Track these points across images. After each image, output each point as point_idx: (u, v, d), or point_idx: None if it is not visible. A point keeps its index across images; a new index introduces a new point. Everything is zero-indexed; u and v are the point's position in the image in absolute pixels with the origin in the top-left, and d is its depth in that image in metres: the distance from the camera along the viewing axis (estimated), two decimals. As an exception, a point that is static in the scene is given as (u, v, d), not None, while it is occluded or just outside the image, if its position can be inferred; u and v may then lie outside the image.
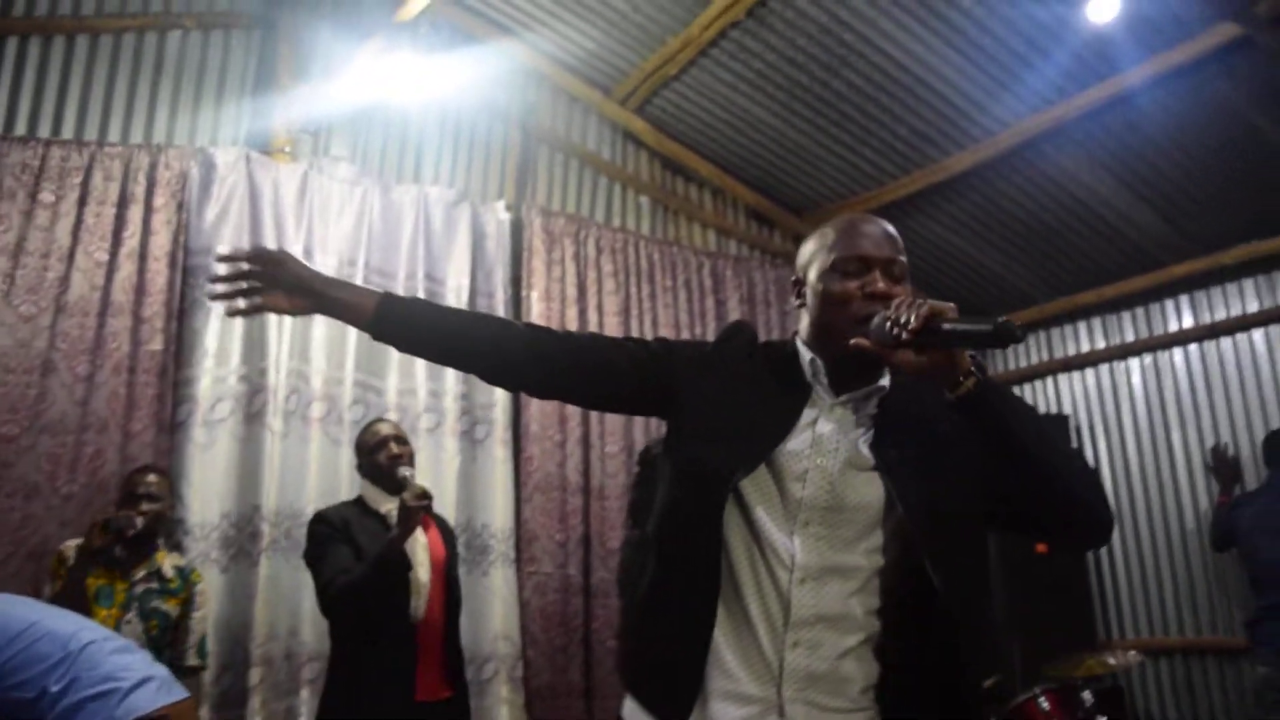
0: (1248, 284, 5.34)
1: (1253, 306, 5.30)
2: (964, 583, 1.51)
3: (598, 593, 4.74)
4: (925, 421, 1.59)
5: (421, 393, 4.57)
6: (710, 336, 1.80)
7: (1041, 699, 3.64)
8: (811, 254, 1.68)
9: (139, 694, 1.77)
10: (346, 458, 4.23)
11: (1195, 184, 5.00)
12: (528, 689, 4.48)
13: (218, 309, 4.16)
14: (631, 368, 1.69)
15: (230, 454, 4.08)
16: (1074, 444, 5.80)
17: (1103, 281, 5.87)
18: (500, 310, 4.83)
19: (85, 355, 3.89)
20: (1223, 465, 5.18)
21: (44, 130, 4.15)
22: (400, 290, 4.44)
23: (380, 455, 3.42)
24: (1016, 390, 6.14)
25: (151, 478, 3.43)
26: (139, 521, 3.21)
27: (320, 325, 4.36)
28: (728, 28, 4.81)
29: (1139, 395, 5.73)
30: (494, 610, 4.46)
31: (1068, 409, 6.05)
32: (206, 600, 3.54)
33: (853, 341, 1.52)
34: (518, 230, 5.12)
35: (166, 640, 3.31)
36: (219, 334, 4.15)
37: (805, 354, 1.65)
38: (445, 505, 4.31)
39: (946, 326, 1.42)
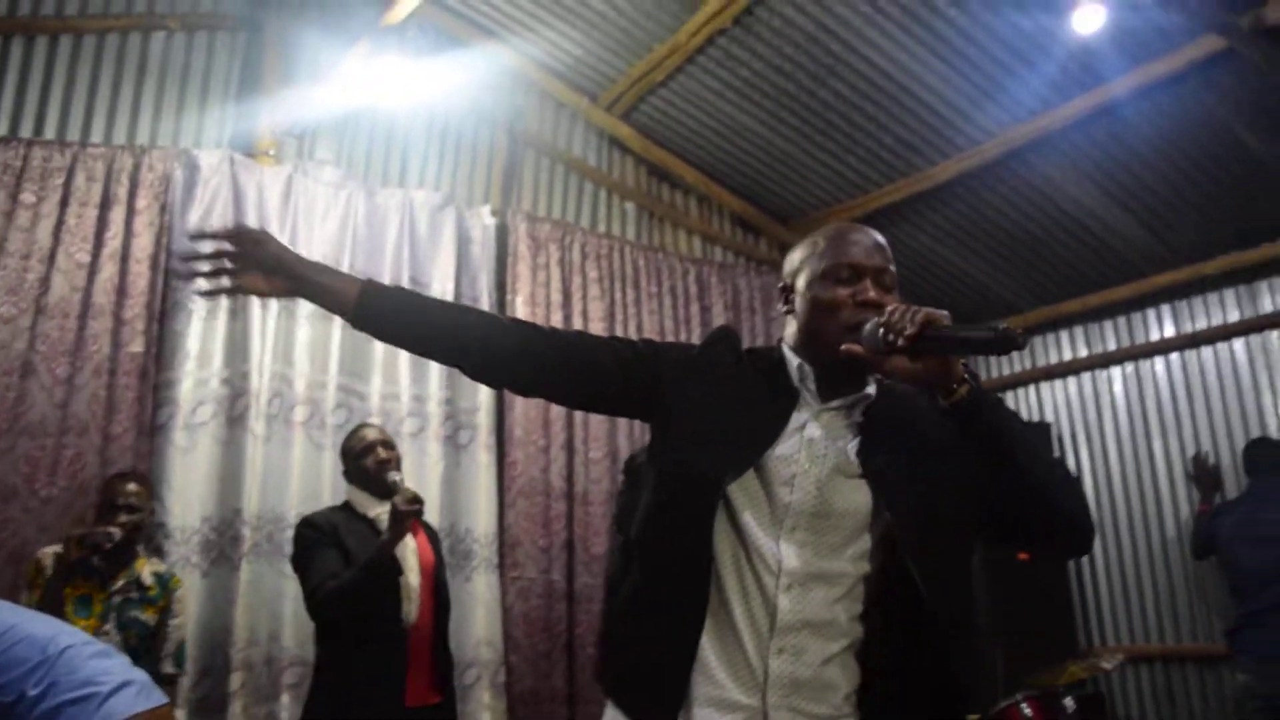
0: (1229, 294, 5.38)
1: (1234, 316, 5.34)
2: (950, 590, 1.51)
3: (581, 598, 4.73)
4: (912, 429, 1.60)
5: (405, 397, 4.56)
6: (695, 343, 1.79)
7: (1024, 705, 3.65)
8: (801, 261, 1.68)
9: (118, 699, 1.74)
10: (329, 462, 4.21)
11: (1178, 195, 5.04)
12: (510, 695, 4.46)
13: (200, 311, 4.14)
14: (617, 368, 1.68)
15: (212, 457, 4.05)
16: (1056, 452, 5.82)
17: (1086, 290, 5.90)
18: (485, 315, 4.81)
19: (65, 357, 3.86)
20: (1203, 474, 5.21)
21: (26, 130, 4.12)
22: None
23: (367, 460, 3.41)
24: (999, 398, 6.16)
25: (131, 486, 3.39)
26: (116, 534, 3.19)
27: (304, 328, 4.34)
28: (715, 35, 4.82)
29: (1121, 403, 5.76)
30: (477, 615, 4.44)
31: (1050, 417, 6.07)
32: (185, 608, 3.51)
33: (844, 347, 1.53)
34: (503, 235, 5.11)
35: (144, 649, 3.28)
36: (201, 336, 4.13)
37: (793, 360, 1.65)
38: (429, 510, 4.26)
39: (946, 333, 1.42)
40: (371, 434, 3.51)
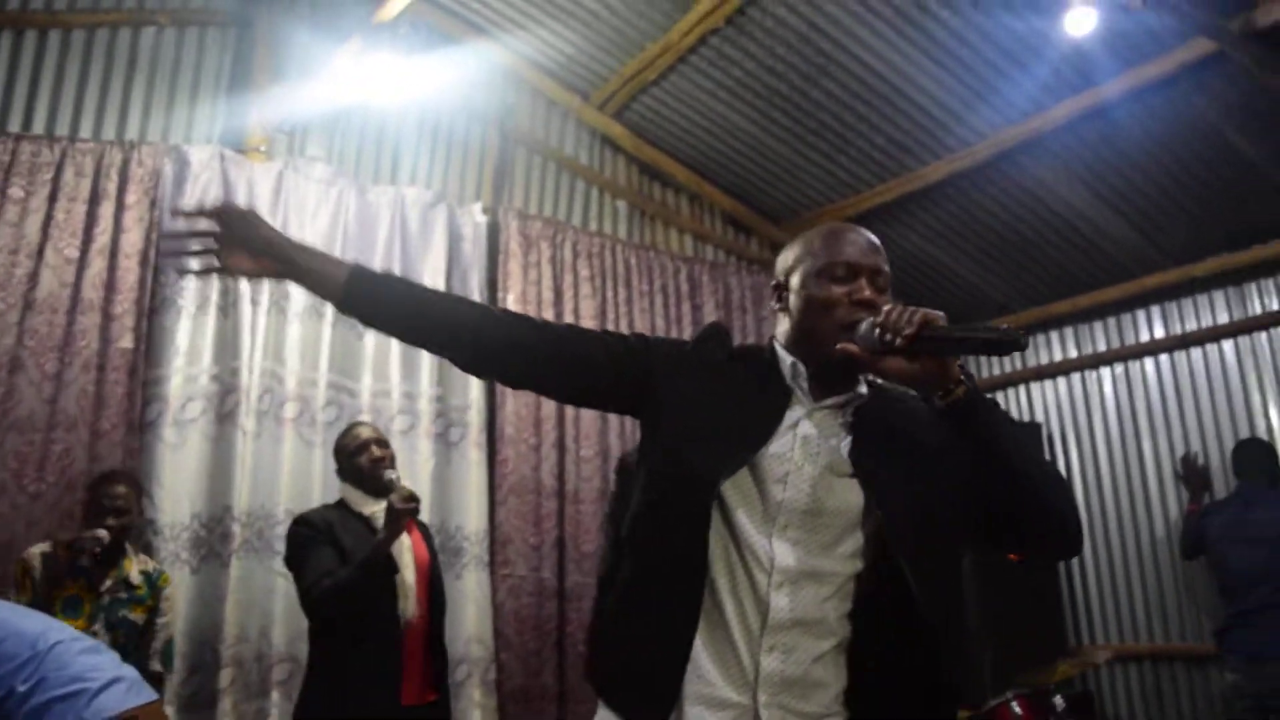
0: (1218, 296, 5.40)
1: (1223, 318, 5.36)
2: (940, 589, 1.51)
3: (572, 596, 4.73)
4: (904, 430, 1.60)
5: (396, 394, 4.55)
6: (687, 339, 1.78)
7: (1014, 704, 3.66)
8: (796, 258, 1.67)
9: (107, 695, 1.74)
10: (319, 459, 4.21)
11: (1168, 197, 5.06)
12: (501, 692, 4.46)
13: (189, 308, 4.12)
14: (609, 361, 1.66)
15: (201, 454, 4.04)
16: (1046, 452, 5.84)
17: (1076, 291, 5.92)
18: (476, 314, 4.81)
19: (54, 353, 3.84)
20: (1192, 474, 5.23)
21: (14, 125, 4.10)
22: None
23: (362, 458, 3.40)
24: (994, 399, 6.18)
25: (120, 489, 3.37)
26: (105, 538, 3.18)
27: (294, 325, 4.33)
28: (707, 34, 4.82)
29: (1110, 404, 5.78)
30: (467, 613, 4.43)
31: (1040, 417, 6.09)
32: (172, 606, 3.50)
33: (840, 346, 1.53)
34: (494, 233, 5.10)
35: (132, 647, 3.26)
36: (190, 333, 4.11)
37: (786, 357, 1.64)
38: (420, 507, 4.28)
39: (945, 333, 1.43)
40: (365, 432, 3.50)
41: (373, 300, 1.62)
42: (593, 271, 5.33)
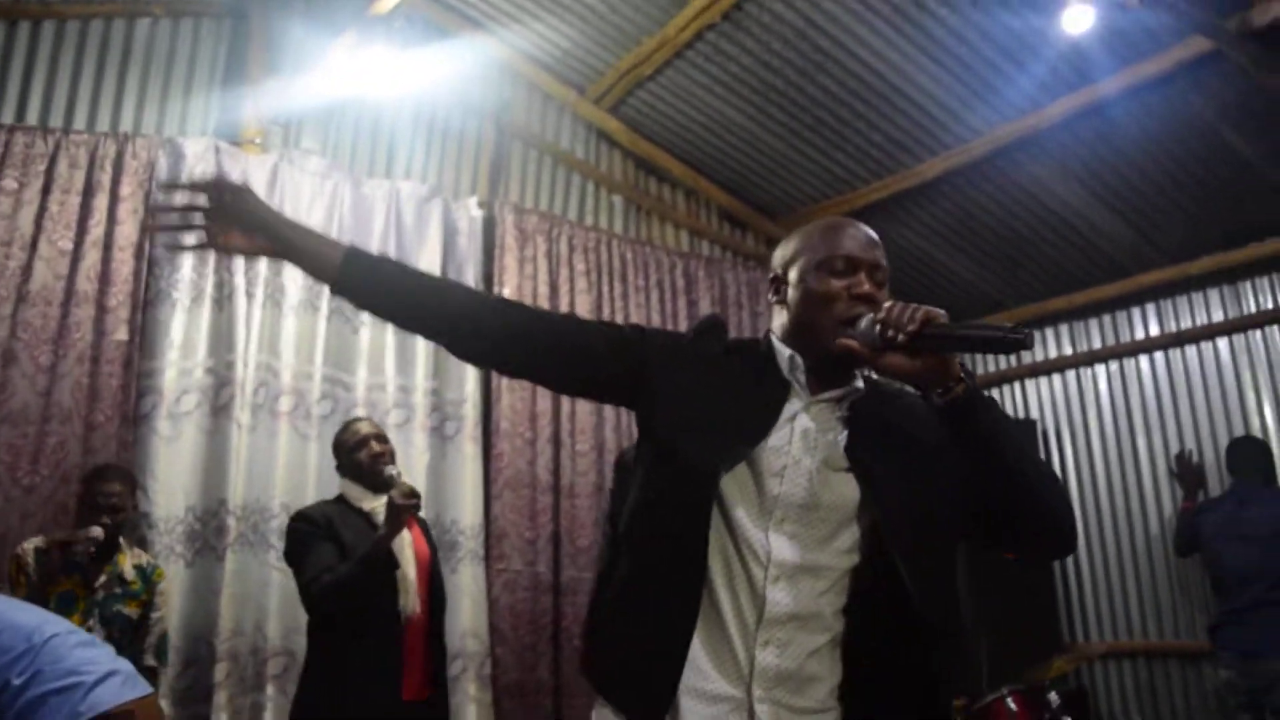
0: (1213, 294, 5.41)
1: (1218, 316, 5.37)
2: (935, 586, 1.51)
3: (567, 591, 4.72)
4: (900, 427, 1.60)
5: (391, 388, 4.54)
6: (683, 330, 1.76)
7: (1009, 699, 3.66)
8: (794, 252, 1.66)
9: (103, 688, 1.73)
10: (314, 452, 4.20)
11: (1164, 195, 5.06)
12: (496, 687, 4.45)
13: (184, 300, 4.11)
14: (608, 351, 1.64)
15: (196, 447, 4.03)
16: (1041, 449, 5.85)
17: (1071, 289, 5.92)
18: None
19: (48, 345, 3.83)
20: (1187, 471, 5.24)
21: (8, 116, 4.08)
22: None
23: (361, 454, 3.40)
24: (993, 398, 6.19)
25: (114, 487, 3.36)
26: (100, 535, 3.17)
27: (290, 318, 4.32)
28: (703, 30, 4.80)
29: (1106, 401, 5.79)
30: (462, 607, 4.43)
31: (1035, 414, 6.10)
32: (166, 600, 3.50)
33: (841, 341, 1.52)
34: (490, 227, 5.09)
35: (127, 642, 3.25)
36: (185, 325, 4.11)
37: (784, 350, 1.63)
38: (415, 502, 4.28)
39: (949, 331, 1.42)
40: (365, 427, 3.50)
41: (368, 283, 1.58)
42: (588, 266, 5.32)
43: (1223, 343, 5.33)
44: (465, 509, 4.58)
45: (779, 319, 1.68)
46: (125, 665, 1.84)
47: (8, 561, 3.26)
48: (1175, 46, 4.25)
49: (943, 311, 1.44)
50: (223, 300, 4.20)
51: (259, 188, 4.35)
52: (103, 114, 4.31)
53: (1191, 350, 5.45)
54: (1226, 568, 4.61)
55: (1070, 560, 5.76)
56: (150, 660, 3.34)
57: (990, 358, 6.33)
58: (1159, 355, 5.59)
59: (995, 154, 5.07)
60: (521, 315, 1.65)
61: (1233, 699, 4.43)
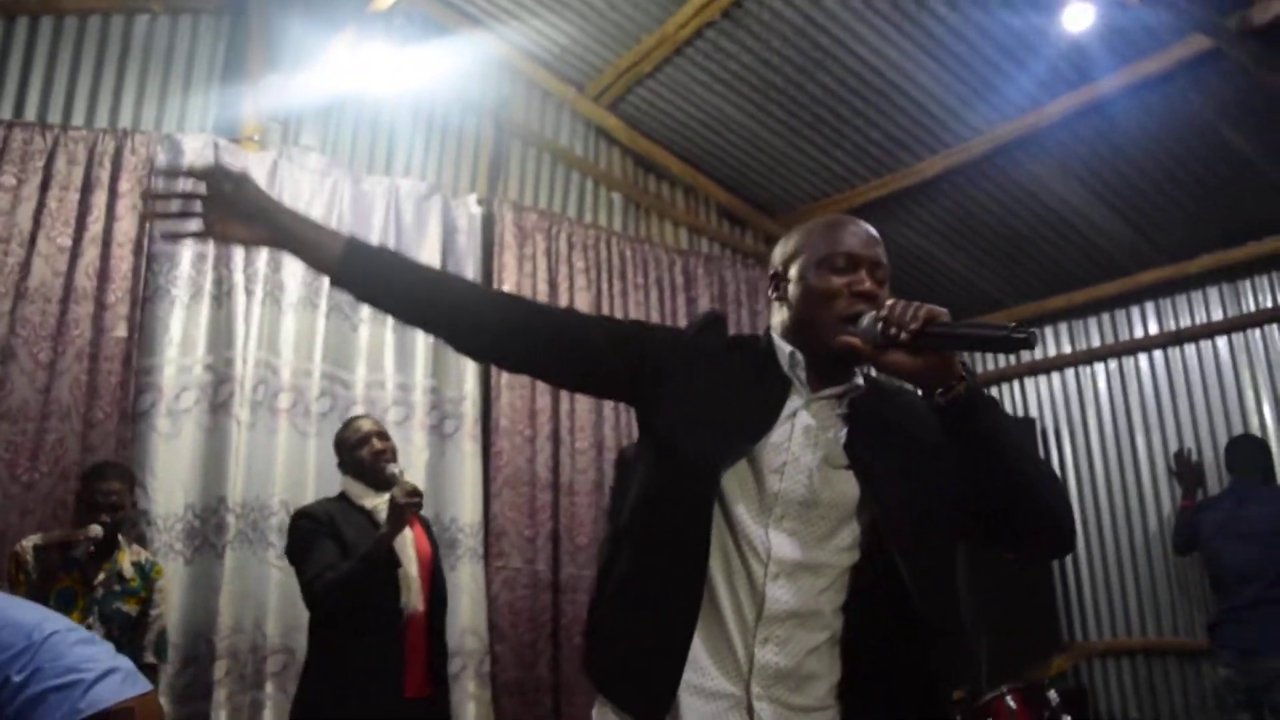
0: (1212, 292, 5.42)
1: (1217, 314, 5.38)
2: (934, 584, 1.51)
3: (566, 589, 4.72)
4: (899, 426, 1.59)
5: (390, 385, 4.54)
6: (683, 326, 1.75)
7: (1008, 698, 3.66)
8: (795, 248, 1.65)
9: (103, 686, 1.73)
10: (314, 450, 4.20)
11: (1164, 194, 5.06)
12: (495, 684, 4.45)
13: (183, 297, 4.10)
14: (609, 346, 1.63)
15: (195, 444, 4.03)
16: (1040, 448, 5.85)
17: (1070, 287, 5.93)
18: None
19: (47, 342, 3.82)
20: (1186, 470, 5.24)
21: (5, 112, 4.07)
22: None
23: (363, 451, 3.39)
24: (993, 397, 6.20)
25: (113, 484, 3.35)
26: (99, 534, 3.17)
27: (289, 315, 4.32)
28: (703, 27, 4.80)
29: (1105, 400, 5.79)
30: (462, 605, 4.42)
31: (1034, 412, 6.11)
32: (165, 598, 3.49)
33: (843, 338, 1.52)
34: (489, 224, 5.09)
35: (126, 639, 3.25)
36: (184, 322, 4.10)
37: (784, 347, 1.62)
38: (415, 500, 4.28)
39: (952, 330, 1.41)
40: (366, 425, 3.49)
41: (370, 275, 1.56)
42: (588, 264, 5.32)
43: (1222, 341, 5.34)
44: (464, 507, 4.58)
45: (779, 316, 1.67)
46: (125, 662, 1.83)
47: (7, 559, 3.26)
48: (1175, 44, 4.24)
49: (945, 310, 1.44)
50: (222, 297, 4.19)
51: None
52: (101, 110, 4.29)
53: (1191, 349, 5.46)
54: (1225, 566, 4.61)
55: (1069, 559, 5.77)
56: (150, 657, 3.34)
57: (989, 356, 6.33)
58: (1158, 354, 5.60)
59: (995, 152, 5.07)
60: (522, 309, 1.64)
61: (1231, 697, 4.43)
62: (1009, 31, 4.36)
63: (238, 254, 4.25)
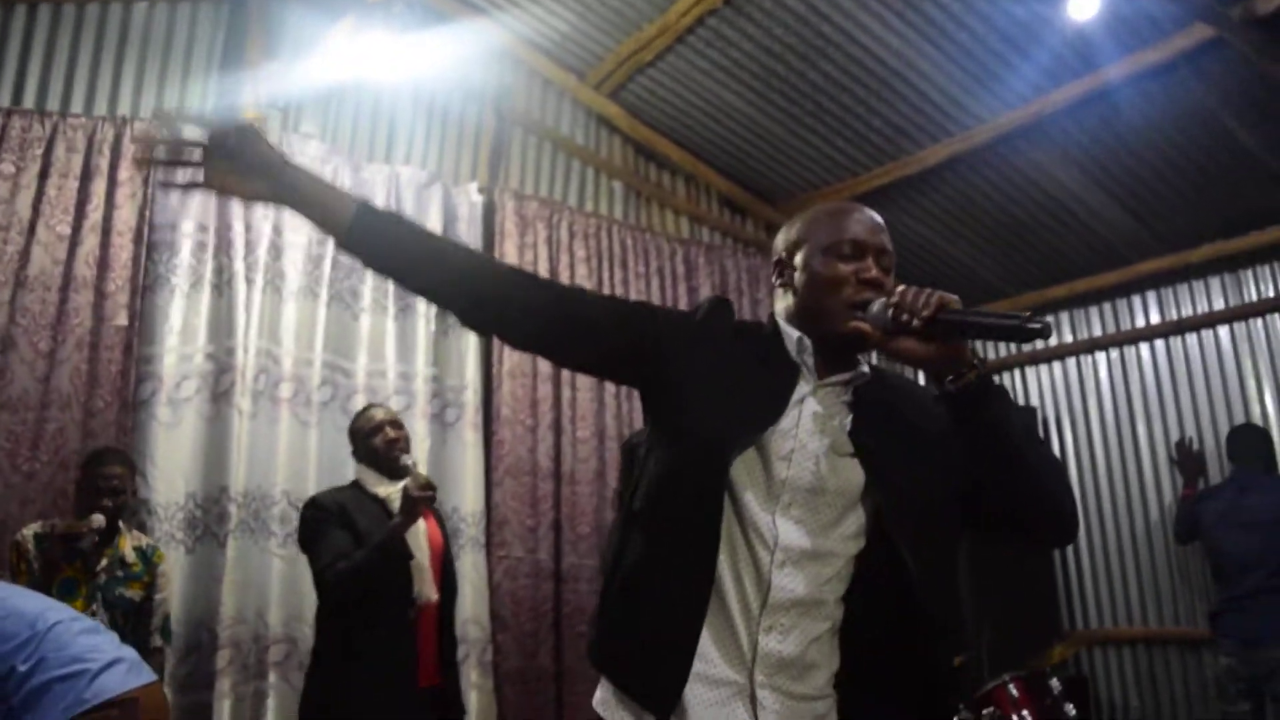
0: (1214, 282, 5.41)
1: (1218, 304, 5.38)
2: (936, 573, 1.50)
3: (568, 578, 4.72)
4: (904, 415, 1.59)
5: (391, 374, 4.53)
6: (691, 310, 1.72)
7: (1010, 685, 3.67)
8: (800, 234, 1.64)
9: (108, 675, 1.73)
10: (315, 439, 4.20)
11: (1166, 183, 5.05)
12: (497, 673, 4.46)
13: (183, 285, 4.09)
14: (612, 324, 1.61)
15: (196, 433, 4.02)
16: (1042, 436, 5.85)
17: (1072, 276, 5.92)
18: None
19: (47, 330, 3.81)
20: (1187, 459, 5.25)
21: (4, 99, 4.05)
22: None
23: (376, 439, 3.39)
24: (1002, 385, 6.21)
25: (114, 469, 3.35)
26: (102, 523, 3.17)
27: (290, 304, 4.31)
28: (705, 15, 4.77)
29: (1106, 389, 5.79)
30: (464, 594, 4.39)
31: (1035, 401, 6.11)
32: (169, 581, 3.50)
33: (853, 324, 1.51)
34: (490, 213, 5.07)
35: (131, 625, 3.26)
36: (184, 311, 4.10)
37: (792, 333, 1.61)
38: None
39: (965, 317, 1.41)
40: (380, 414, 3.49)
41: (380, 239, 1.50)
42: (589, 252, 5.31)
43: (1223, 330, 5.34)
44: (466, 496, 4.58)
45: (783, 302, 1.66)
46: (130, 653, 1.84)
47: (8, 548, 3.25)
48: (1178, 34, 4.22)
49: (956, 297, 1.43)
50: (222, 286, 4.18)
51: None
52: (100, 97, 4.27)
53: (1192, 338, 5.46)
54: (1227, 555, 4.61)
55: (1070, 548, 5.77)
56: (157, 641, 3.36)
57: (991, 344, 6.33)
58: (1159, 343, 5.60)
59: (998, 141, 5.04)
60: (528, 282, 1.60)
61: (1233, 686, 4.44)
62: (1013, 20, 4.34)
63: (238, 242, 4.23)
